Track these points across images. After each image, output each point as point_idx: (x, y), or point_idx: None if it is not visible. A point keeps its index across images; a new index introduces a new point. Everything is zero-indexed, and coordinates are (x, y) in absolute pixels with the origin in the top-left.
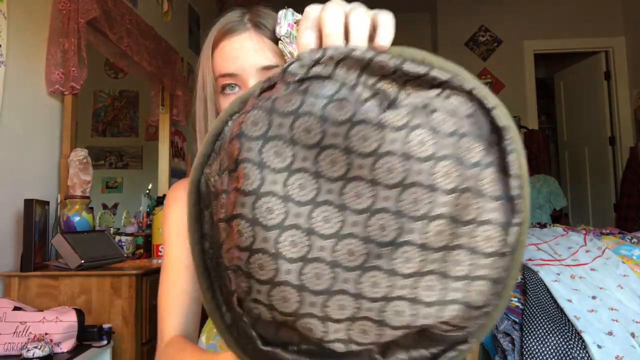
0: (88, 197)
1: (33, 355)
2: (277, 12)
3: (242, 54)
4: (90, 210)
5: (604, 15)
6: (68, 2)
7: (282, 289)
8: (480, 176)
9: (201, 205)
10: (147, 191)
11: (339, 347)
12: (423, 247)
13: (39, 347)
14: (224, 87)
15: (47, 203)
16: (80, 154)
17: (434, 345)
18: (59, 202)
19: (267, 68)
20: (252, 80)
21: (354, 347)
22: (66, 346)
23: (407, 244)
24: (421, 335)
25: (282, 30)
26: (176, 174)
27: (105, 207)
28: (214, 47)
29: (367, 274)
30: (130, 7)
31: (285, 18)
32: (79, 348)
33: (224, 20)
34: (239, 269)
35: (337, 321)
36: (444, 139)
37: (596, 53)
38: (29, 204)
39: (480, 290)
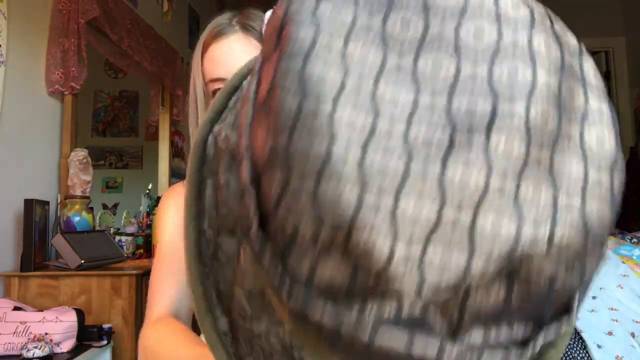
0: (88, 197)
1: (33, 355)
2: None
3: (230, 57)
4: (90, 210)
5: (604, 15)
6: (68, 2)
7: (335, 182)
8: (583, 63)
9: (204, 173)
10: (147, 191)
11: (404, 287)
12: (527, 132)
13: (39, 347)
14: (214, 92)
15: (47, 203)
16: (80, 154)
17: (525, 314)
18: (59, 202)
19: None
20: None
21: (425, 293)
22: (66, 346)
23: (504, 128)
24: (509, 290)
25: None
26: (176, 174)
27: (105, 207)
28: (204, 51)
29: (453, 164)
30: (130, 7)
31: None
32: (79, 348)
33: (214, 24)
34: (275, 151)
35: (409, 241)
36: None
37: (596, 53)
38: (29, 204)
39: (599, 211)
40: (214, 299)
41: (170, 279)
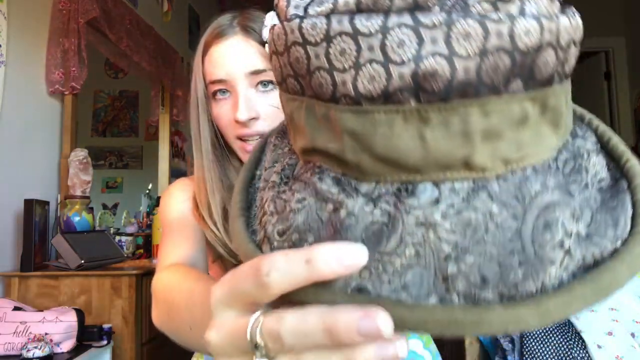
0: (88, 197)
1: (33, 355)
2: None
3: (230, 59)
4: (90, 210)
5: (604, 15)
6: (68, 2)
7: None
8: None
9: (262, 156)
10: (147, 191)
11: None
12: None
13: (39, 347)
14: (215, 93)
15: (47, 203)
16: (80, 154)
17: None
18: (59, 202)
19: (255, 72)
20: (241, 86)
21: None
22: (66, 346)
23: None
24: None
25: (268, 32)
26: (176, 174)
27: (105, 207)
28: (204, 52)
29: None
30: (130, 7)
31: (273, 20)
32: (79, 348)
33: (215, 25)
34: None
35: None
36: None
37: (596, 53)
38: (29, 204)
39: None
40: (252, 216)
41: (184, 242)
